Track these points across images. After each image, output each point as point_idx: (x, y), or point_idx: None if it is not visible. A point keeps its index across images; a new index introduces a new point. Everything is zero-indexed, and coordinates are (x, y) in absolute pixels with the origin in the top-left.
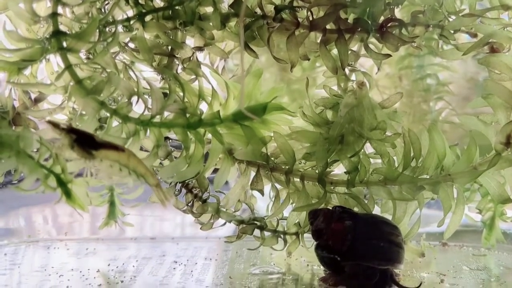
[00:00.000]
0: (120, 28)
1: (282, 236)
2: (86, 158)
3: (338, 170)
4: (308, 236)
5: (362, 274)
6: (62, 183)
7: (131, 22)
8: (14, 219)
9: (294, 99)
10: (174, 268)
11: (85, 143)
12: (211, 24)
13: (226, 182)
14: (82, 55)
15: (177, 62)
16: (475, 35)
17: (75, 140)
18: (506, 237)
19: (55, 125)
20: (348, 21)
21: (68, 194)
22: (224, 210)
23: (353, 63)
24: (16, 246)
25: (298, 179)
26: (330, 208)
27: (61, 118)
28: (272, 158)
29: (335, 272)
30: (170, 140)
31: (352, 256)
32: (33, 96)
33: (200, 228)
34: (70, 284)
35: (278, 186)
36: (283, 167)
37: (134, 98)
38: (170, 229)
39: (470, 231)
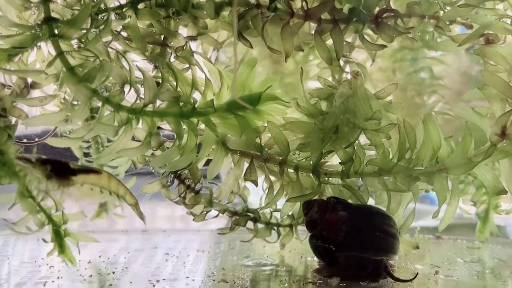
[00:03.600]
0: (112, 15)
1: (275, 228)
2: (65, 185)
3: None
4: (301, 228)
5: (356, 265)
6: (59, 236)
7: (124, 9)
8: (3, 210)
9: (286, 92)
10: (166, 260)
11: (61, 171)
12: (204, 12)
13: (217, 176)
14: (74, 44)
15: (170, 51)
16: (470, 27)
17: (51, 170)
18: (500, 230)
19: (26, 159)
20: (343, 11)
21: (62, 248)
22: (217, 201)
23: (347, 53)
24: (6, 237)
25: (292, 170)
26: (325, 199)
27: (53, 109)
28: (266, 149)
29: (329, 263)
30: (163, 131)
31: (346, 246)
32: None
33: (193, 220)
34: (60, 275)
35: (271, 177)
36: (277, 158)
37: (126, 88)
38: (162, 222)
39: (464, 225)
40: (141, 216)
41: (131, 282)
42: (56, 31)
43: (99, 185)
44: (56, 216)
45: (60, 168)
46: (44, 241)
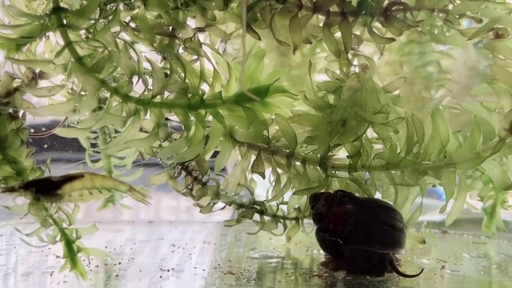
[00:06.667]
0: (121, 6)
1: (282, 221)
2: (55, 201)
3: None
4: (307, 221)
5: (362, 258)
6: (72, 252)
7: (132, 0)
8: (11, 200)
9: (293, 85)
10: (172, 251)
11: (46, 188)
12: (213, 4)
13: (224, 168)
14: (82, 34)
15: (178, 43)
16: (480, 21)
17: (36, 192)
18: (507, 225)
19: (11, 190)
20: (352, 4)
21: (74, 263)
22: (224, 193)
23: (356, 46)
24: (13, 227)
25: (299, 163)
26: (331, 192)
27: (61, 99)
28: (273, 141)
29: (336, 256)
30: (171, 122)
31: (353, 240)
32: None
33: (200, 211)
34: (67, 265)
35: (279, 170)
36: (285, 150)
37: (135, 79)
38: (168, 213)
39: (470, 220)
40: (141, 196)
41: (140, 271)
42: (64, 21)
43: (86, 188)
44: (69, 230)
45: (44, 185)
46: (57, 257)
